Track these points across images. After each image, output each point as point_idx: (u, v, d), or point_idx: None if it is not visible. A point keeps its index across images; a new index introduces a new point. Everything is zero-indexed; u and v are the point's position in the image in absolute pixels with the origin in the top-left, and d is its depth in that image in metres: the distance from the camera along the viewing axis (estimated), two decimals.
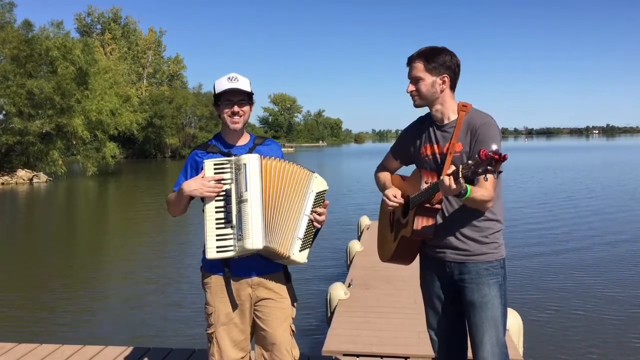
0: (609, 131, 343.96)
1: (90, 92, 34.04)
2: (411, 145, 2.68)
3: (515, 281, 7.87)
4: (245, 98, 2.58)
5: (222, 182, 2.48)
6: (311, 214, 2.58)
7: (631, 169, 31.45)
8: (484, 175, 2.04)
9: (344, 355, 4.16)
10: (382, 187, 2.78)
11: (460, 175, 2.10)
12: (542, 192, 20.63)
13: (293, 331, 2.66)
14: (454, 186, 2.14)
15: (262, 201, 2.46)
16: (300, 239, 2.54)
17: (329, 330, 4.75)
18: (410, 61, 2.52)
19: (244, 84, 2.56)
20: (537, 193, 20.13)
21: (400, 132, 2.88)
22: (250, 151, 2.61)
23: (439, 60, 2.47)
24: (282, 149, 2.81)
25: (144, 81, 74.83)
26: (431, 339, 2.71)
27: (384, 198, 2.68)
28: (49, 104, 31.81)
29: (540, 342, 5.77)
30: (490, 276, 2.48)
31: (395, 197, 2.61)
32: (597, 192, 20.20)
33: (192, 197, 2.53)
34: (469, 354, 2.61)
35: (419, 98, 2.53)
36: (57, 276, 9.43)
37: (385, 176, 2.83)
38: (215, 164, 2.49)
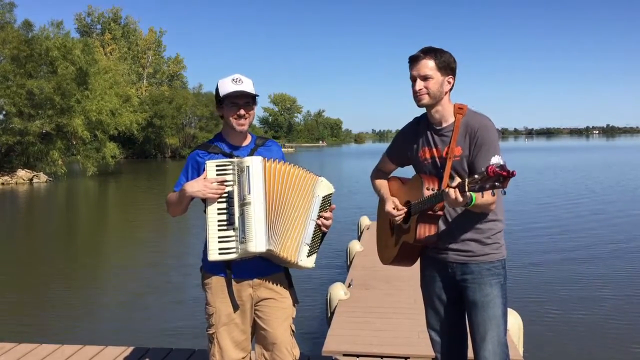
0: (609, 131, 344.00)
1: (90, 92, 34.04)
2: (408, 147, 2.66)
3: (515, 281, 7.87)
4: (251, 100, 2.57)
5: (225, 183, 2.47)
6: (318, 218, 2.58)
7: (631, 169, 31.45)
8: (491, 191, 2.03)
9: (344, 355, 4.16)
10: (379, 195, 2.78)
11: (467, 190, 2.10)
12: (543, 192, 20.62)
13: (293, 331, 2.66)
14: (460, 199, 2.14)
15: (266, 204, 2.45)
16: (308, 245, 2.55)
17: (329, 330, 4.75)
18: (418, 58, 2.45)
19: (248, 86, 2.55)
20: (538, 193, 20.12)
21: (397, 132, 2.87)
22: (252, 152, 2.61)
23: (447, 60, 2.45)
24: (282, 149, 2.81)
25: (144, 81, 74.85)
26: (431, 339, 2.71)
27: (386, 212, 2.67)
28: (49, 104, 31.81)
29: (540, 342, 5.77)
30: (492, 276, 2.48)
31: (396, 209, 2.60)
32: (598, 192, 20.20)
33: (193, 198, 2.53)
34: (470, 354, 2.61)
35: (428, 97, 2.45)
36: (57, 276, 9.43)
37: (382, 183, 2.81)
38: (217, 166, 2.48)
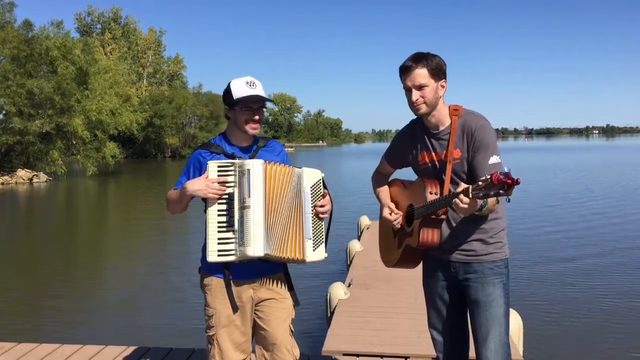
0: (609, 131, 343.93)
1: (90, 92, 34.04)
2: (406, 151, 2.66)
3: (515, 281, 7.85)
4: (263, 104, 2.59)
5: (226, 184, 2.47)
6: (313, 209, 2.56)
7: (631, 169, 31.45)
8: (496, 198, 2.03)
9: (344, 355, 4.16)
10: (379, 200, 2.79)
11: (471, 197, 2.09)
12: (542, 192, 20.62)
13: (292, 331, 2.66)
14: (466, 206, 2.12)
15: (265, 208, 2.45)
16: (311, 239, 2.53)
17: (329, 330, 4.75)
18: (410, 68, 2.40)
19: (262, 90, 2.56)
20: (537, 193, 20.11)
21: (394, 135, 2.87)
22: (255, 153, 2.61)
23: (437, 64, 2.41)
24: None
25: (144, 81, 74.84)
26: (433, 339, 2.70)
27: (384, 219, 2.67)
28: (49, 103, 31.81)
29: (540, 342, 5.77)
30: (494, 275, 2.48)
31: (392, 214, 2.61)
32: (598, 192, 20.20)
33: (193, 196, 2.52)
34: (471, 354, 2.61)
35: (426, 106, 2.43)
36: (57, 275, 9.43)
37: (382, 188, 2.81)
38: (219, 166, 2.48)
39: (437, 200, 2.35)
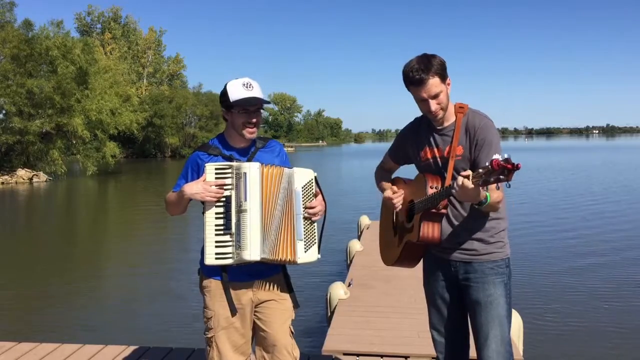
0: (609, 131, 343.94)
1: (90, 92, 34.02)
2: (410, 147, 2.66)
3: (515, 281, 7.81)
4: (261, 106, 2.56)
5: (224, 187, 2.46)
6: (304, 210, 2.54)
7: (632, 169, 31.44)
8: (496, 185, 2.02)
9: (344, 354, 4.16)
10: (381, 188, 2.78)
11: (472, 184, 2.08)
12: (543, 192, 20.63)
13: (292, 332, 2.66)
14: (470, 185, 2.08)
15: (262, 211, 2.45)
16: (302, 240, 2.52)
17: (329, 329, 4.75)
18: (423, 81, 2.36)
19: (259, 92, 2.53)
20: (538, 193, 20.12)
21: (398, 132, 2.87)
22: (253, 155, 2.59)
23: (441, 65, 2.40)
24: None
25: (144, 81, 74.83)
26: (434, 339, 2.70)
27: (385, 199, 2.66)
28: (49, 103, 31.81)
29: (540, 342, 5.77)
30: (495, 275, 2.48)
31: (394, 195, 2.59)
32: (598, 192, 20.21)
33: (191, 199, 2.52)
34: (472, 354, 2.61)
35: (443, 111, 2.44)
36: (57, 275, 9.43)
37: (385, 183, 2.81)
38: (216, 169, 2.47)
39: (437, 193, 2.35)
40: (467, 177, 2.10)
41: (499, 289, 2.47)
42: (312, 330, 6.01)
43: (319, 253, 2.57)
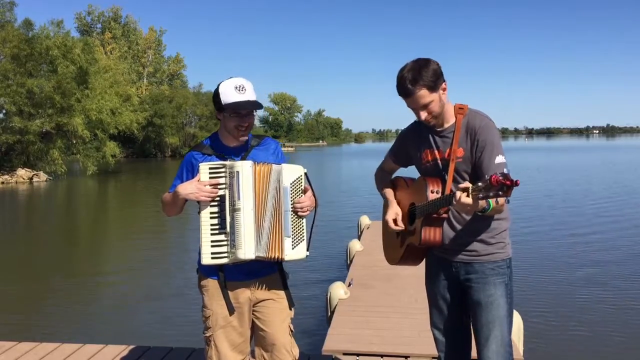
0: (609, 131, 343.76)
1: (90, 92, 34.01)
2: (410, 149, 2.66)
3: (516, 281, 7.80)
4: (255, 109, 2.53)
5: (218, 187, 2.46)
6: (292, 206, 2.52)
7: (633, 170, 31.43)
8: (504, 199, 2.03)
9: (344, 354, 4.16)
10: (383, 198, 2.77)
11: (471, 197, 2.08)
12: (543, 192, 20.62)
13: (292, 331, 2.66)
14: (470, 202, 2.09)
15: (255, 210, 2.45)
16: (290, 237, 2.49)
17: (329, 329, 4.75)
18: (410, 93, 2.36)
19: (251, 94, 2.49)
20: (538, 193, 20.11)
21: (399, 133, 2.87)
22: (247, 153, 2.59)
23: (433, 74, 2.36)
24: (282, 149, 2.79)
25: (144, 80, 74.84)
26: (435, 338, 2.70)
27: (386, 221, 2.66)
28: (49, 103, 31.79)
29: (540, 342, 5.77)
30: (496, 276, 2.47)
31: (395, 221, 2.60)
32: (599, 193, 20.20)
33: (187, 199, 2.52)
34: (473, 354, 2.60)
35: (435, 118, 2.45)
36: (57, 275, 9.43)
37: (386, 185, 2.80)
38: (210, 168, 2.47)
39: (438, 200, 2.35)
40: (465, 189, 2.10)
41: (500, 290, 2.47)
42: (312, 330, 6.01)
43: (308, 250, 2.55)
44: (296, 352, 2.64)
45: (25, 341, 4.31)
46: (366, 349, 4.22)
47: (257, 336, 2.64)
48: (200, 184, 2.45)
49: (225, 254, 2.45)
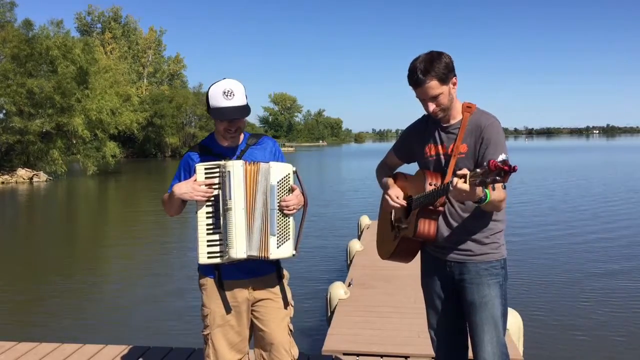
0: (609, 131, 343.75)
1: (90, 92, 34.05)
2: (414, 144, 2.66)
3: (515, 281, 7.86)
4: (242, 115, 2.50)
5: (212, 186, 2.48)
6: (279, 205, 2.51)
7: (633, 170, 31.43)
8: (491, 185, 2.03)
9: (344, 354, 4.16)
10: (384, 186, 2.76)
11: (469, 183, 2.08)
12: (543, 192, 20.62)
13: (291, 330, 2.66)
14: (466, 187, 2.08)
15: (246, 209, 2.45)
16: (275, 235, 2.48)
17: (329, 329, 4.75)
18: (420, 82, 2.38)
19: (240, 99, 2.47)
20: (538, 193, 20.12)
21: (402, 130, 2.87)
22: (242, 153, 2.59)
23: (445, 67, 2.38)
24: (282, 149, 2.79)
25: (144, 80, 74.88)
26: (432, 338, 2.70)
27: (386, 197, 2.66)
28: (49, 103, 31.82)
29: (540, 342, 5.77)
30: (490, 276, 2.47)
31: (397, 197, 2.59)
32: (599, 193, 20.19)
33: (184, 200, 2.54)
34: (470, 354, 2.61)
35: (443, 112, 2.46)
36: (57, 275, 9.43)
37: (386, 175, 2.80)
38: (205, 169, 2.49)
39: (435, 190, 2.35)
40: (463, 176, 2.09)
41: (494, 290, 2.46)
42: (312, 330, 6.01)
43: (295, 249, 2.53)
44: (295, 351, 2.64)
45: (25, 341, 4.30)
46: (366, 349, 4.22)
47: (256, 336, 2.65)
48: (195, 184, 2.48)
49: (219, 254, 2.48)
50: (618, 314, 6.71)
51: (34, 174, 31.43)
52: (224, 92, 2.45)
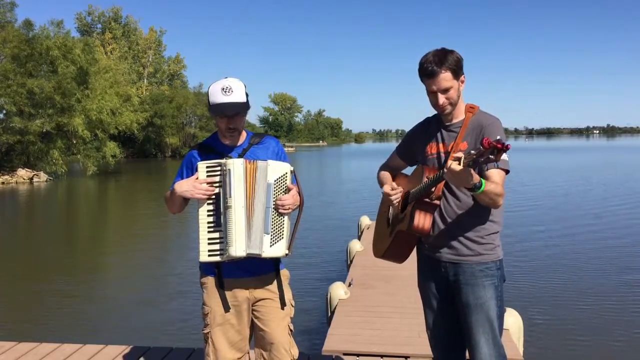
0: (610, 131, 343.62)
1: (90, 92, 34.04)
2: (417, 145, 2.67)
3: (515, 281, 7.87)
4: (241, 111, 2.52)
5: (214, 184, 2.49)
6: (274, 203, 2.51)
7: (633, 170, 31.43)
8: (485, 165, 2.04)
9: (344, 354, 4.16)
10: (381, 181, 2.78)
11: (463, 165, 2.09)
12: (543, 192, 20.63)
13: (291, 330, 2.66)
14: (459, 168, 2.09)
15: (246, 207, 2.46)
16: (269, 234, 2.49)
17: (329, 329, 4.75)
18: (435, 73, 2.39)
19: (239, 95, 2.48)
20: (538, 193, 20.12)
21: (404, 131, 2.88)
22: (245, 152, 2.60)
23: (457, 61, 2.41)
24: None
25: (145, 80, 74.86)
26: (430, 339, 2.71)
27: (384, 194, 2.66)
28: (50, 103, 31.82)
29: (540, 342, 5.77)
30: (485, 277, 2.47)
31: (394, 189, 2.59)
32: (599, 193, 20.20)
33: (185, 198, 2.54)
34: (468, 354, 2.61)
35: (451, 106, 2.46)
36: (58, 275, 9.43)
37: (386, 175, 2.81)
38: (207, 167, 2.50)
39: (431, 178, 2.37)
40: (458, 159, 2.11)
41: (489, 292, 2.46)
42: (312, 330, 6.01)
43: (289, 249, 2.53)
44: (295, 351, 2.65)
45: (25, 341, 4.30)
46: (366, 349, 4.22)
47: (257, 335, 2.65)
48: (196, 182, 2.49)
49: (220, 252, 2.48)
50: (618, 314, 6.72)
51: (34, 174, 31.43)
52: (223, 89, 2.48)
